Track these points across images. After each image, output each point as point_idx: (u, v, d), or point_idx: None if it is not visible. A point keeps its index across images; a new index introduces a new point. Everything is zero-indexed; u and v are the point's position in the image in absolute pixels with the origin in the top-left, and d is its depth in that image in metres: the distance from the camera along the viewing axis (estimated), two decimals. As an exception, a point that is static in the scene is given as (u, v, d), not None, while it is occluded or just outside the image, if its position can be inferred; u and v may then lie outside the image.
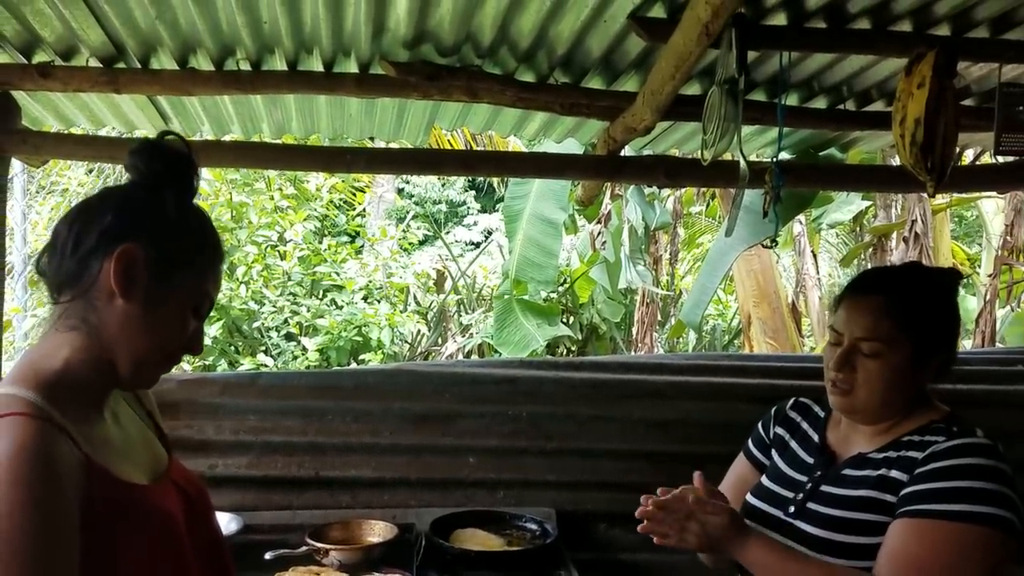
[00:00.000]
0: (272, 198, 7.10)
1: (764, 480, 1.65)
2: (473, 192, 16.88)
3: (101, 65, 2.37)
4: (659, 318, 5.96)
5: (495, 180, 11.90)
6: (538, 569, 2.08)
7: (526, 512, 2.38)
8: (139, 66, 2.39)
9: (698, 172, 2.52)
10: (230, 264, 6.89)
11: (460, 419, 2.52)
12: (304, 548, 2.07)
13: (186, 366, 5.83)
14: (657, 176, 2.58)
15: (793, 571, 1.41)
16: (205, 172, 7.63)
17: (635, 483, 2.19)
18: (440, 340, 8.30)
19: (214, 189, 7.30)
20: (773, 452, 1.69)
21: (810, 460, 1.58)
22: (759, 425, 1.77)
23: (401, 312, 7.40)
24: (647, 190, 4.42)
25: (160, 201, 1.11)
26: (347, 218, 7.58)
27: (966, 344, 6.28)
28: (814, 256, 7.18)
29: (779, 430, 1.70)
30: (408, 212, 12.36)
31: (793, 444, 1.65)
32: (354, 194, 7.90)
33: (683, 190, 5.85)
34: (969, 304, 6.49)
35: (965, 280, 6.98)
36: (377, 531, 2.24)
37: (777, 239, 2.18)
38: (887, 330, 1.45)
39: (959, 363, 2.81)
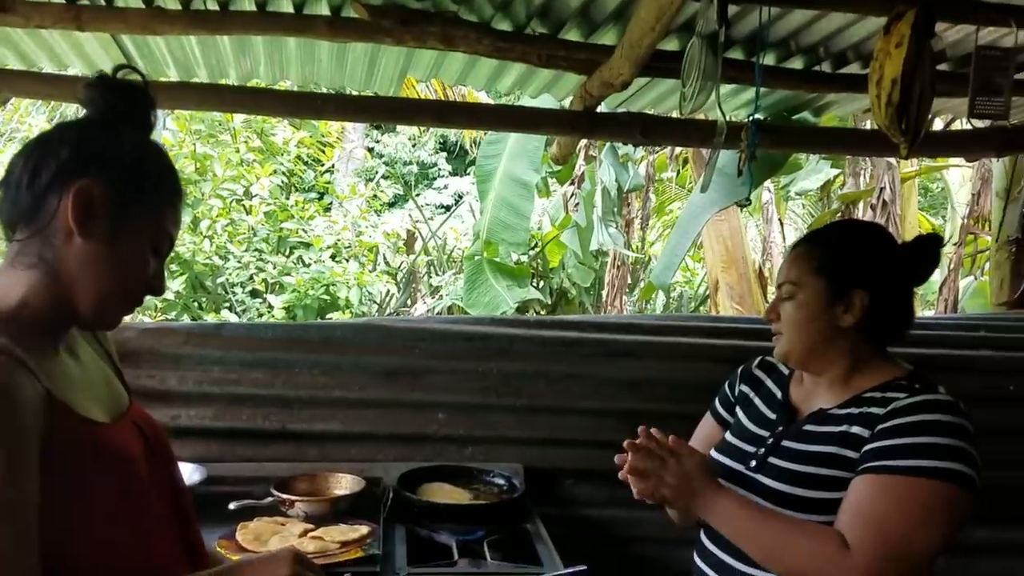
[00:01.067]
0: (238, 150, 6.94)
1: (728, 436, 1.66)
2: (444, 154, 16.71)
3: (64, 1, 2.28)
4: (629, 282, 5.97)
5: (467, 141, 11.78)
6: (504, 522, 2.09)
7: (494, 468, 2.38)
8: (103, 3, 2.30)
9: (674, 129, 2.50)
10: (194, 218, 6.75)
11: (430, 375, 2.50)
12: (269, 499, 2.05)
13: (147, 319, 5.73)
14: (633, 133, 2.56)
15: (757, 526, 1.41)
16: (169, 122, 7.46)
17: (604, 441, 2.20)
18: (409, 301, 8.26)
19: (178, 140, 7.12)
20: (737, 409, 1.70)
21: (772, 416, 1.60)
22: (726, 384, 1.78)
23: (370, 272, 7.33)
24: (620, 151, 4.40)
25: (117, 136, 1.09)
26: (315, 174, 7.44)
27: (928, 314, 6.40)
28: (781, 224, 7.23)
29: (744, 387, 1.72)
30: (377, 172, 12.21)
31: (757, 401, 1.66)
32: (322, 149, 7.75)
33: (656, 155, 5.84)
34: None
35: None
36: (344, 484, 2.22)
37: (750, 199, 2.18)
38: (798, 272, 1.51)
39: (921, 328, 2.88)
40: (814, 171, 5.80)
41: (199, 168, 7.02)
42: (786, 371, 1.67)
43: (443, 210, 13.41)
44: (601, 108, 2.74)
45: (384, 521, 2.04)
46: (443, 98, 7.42)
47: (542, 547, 1.99)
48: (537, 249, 7.91)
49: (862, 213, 5.35)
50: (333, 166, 9.51)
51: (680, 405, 2.00)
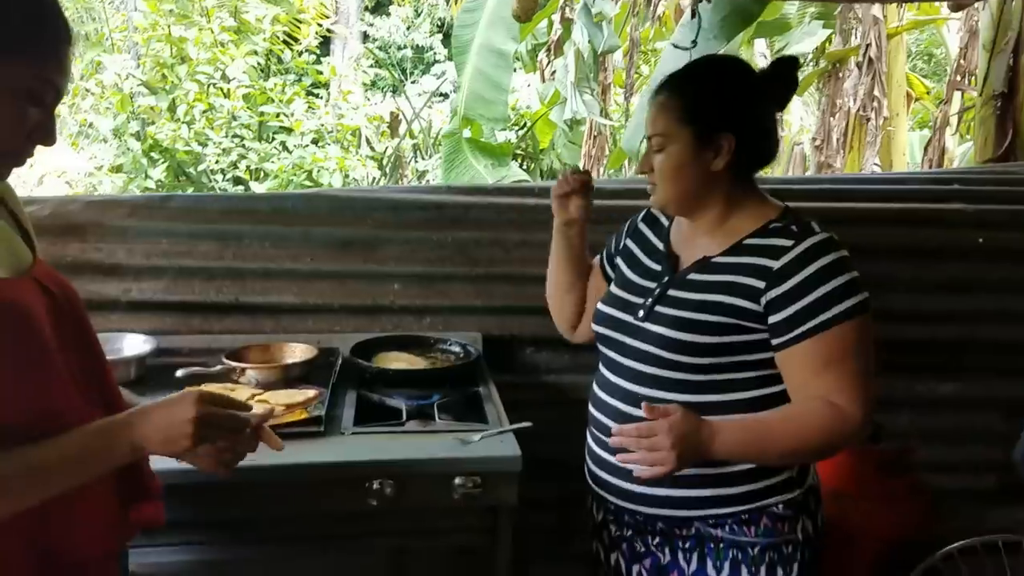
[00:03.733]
0: (211, 31, 6.68)
1: (613, 288, 1.69)
2: (440, 35, 16.10)
3: None
4: (607, 152, 5.82)
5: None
6: (456, 386, 2.09)
7: (451, 336, 2.36)
8: None
9: (633, -22, 2.34)
10: (171, 103, 6.57)
11: (384, 245, 2.46)
12: (219, 367, 2.05)
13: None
14: (590, -18, 2.40)
15: (765, 439, 1.45)
16: (140, 3, 7.16)
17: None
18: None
19: (151, 22, 6.84)
20: (619, 261, 1.73)
21: (657, 267, 1.62)
22: (615, 235, 1.82)
23: (354, 156, 7.17)
24: (594, 9, 4.18)
25: None
26: (292, 55, 7.17)
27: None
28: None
29: (629, 242, 1.74)
30: (366, 57, 11.75)
31: (640, 254, 1.69)
32: (298, 26, 7.45)
33: (638, 18, 5.57)
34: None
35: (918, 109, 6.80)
36: (297, 353, 2.21)
37: (696, 42, 2.04)
38: (664, 123, 1.50)
39: (894, 182, 2.81)
40: (808, 33, 5.55)
41: (176, 52, 6.78)
42: (666, 222, 1.68)
43: (442, 98, 12.97)
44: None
45: (336, 387, 2.04)
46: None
47: (490, 407, 2.00)
48: (526, 129, 7.72)
49: (850, 73, 5.15)
50: (329, 51, 9.13)
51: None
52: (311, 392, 1.94)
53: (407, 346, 2.31)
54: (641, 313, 1.56)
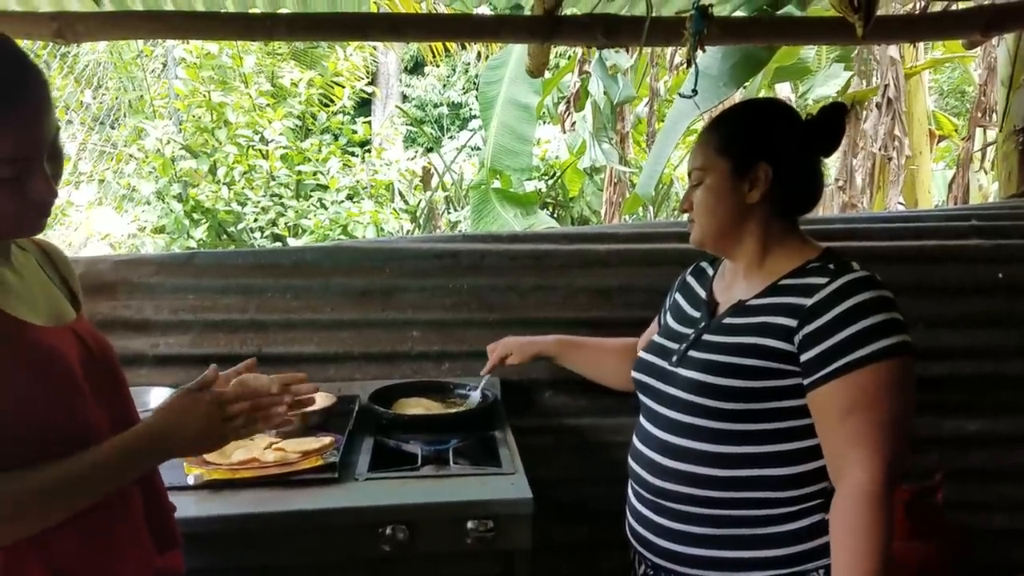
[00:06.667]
0: (250, 96, 6.94)
1: (655, 337, 1.70)
2: (474, 92, 16.48)
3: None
4: (627, 197, 5.89)
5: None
6: (473, 431, 2.11)
7: (469, 382, 2.39)
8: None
9: (638, 31, 2.41)
10: (212, 165, 6.80)
11: (401, 293, 2.52)
12: (237, 417, 2.09)
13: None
14: (595, 35, 2.47)
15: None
16: (180, 71, 7.48)
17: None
18: (431, 238, 8.20)
19: (191, 89, 7.13)
20: (668, 315, 1.74)
21: (696, 314, 1.63)
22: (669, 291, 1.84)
23: (387, 209, 7.33)
24: (609, 61, 4.29)
25: None
26: (327, 116, 7.42)
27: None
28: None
29: (678, 295, 1.76)
30: (406, 118, 12.08)
31: (685, 305, 1.70)
32: (332, 88, 7.72)
33: (658, 67, 5.67)
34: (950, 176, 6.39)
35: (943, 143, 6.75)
36: (317, 401, 2.25)
37: (696, 90, 2.09)
38: (702, 157, 1.52)
39: (911, 220, 2.79)
40: (831, 75, 5.59)
41: (216, 117, 7.04)
42: (711, 272, 1.70)
43: (477, 151, 13.25)
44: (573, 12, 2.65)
45: (354, 434, 2.08)
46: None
47: (504, 451, 2.01)
48: (554, 178, 7.84)
49: (869, 113, 5.17)
50: (370, 111, 9.37)
51: (652, 311, 1.98)
52: (327, 439, 1.98)
53: (426, 391, 2.35)
54: (675, 358, 1.56)
